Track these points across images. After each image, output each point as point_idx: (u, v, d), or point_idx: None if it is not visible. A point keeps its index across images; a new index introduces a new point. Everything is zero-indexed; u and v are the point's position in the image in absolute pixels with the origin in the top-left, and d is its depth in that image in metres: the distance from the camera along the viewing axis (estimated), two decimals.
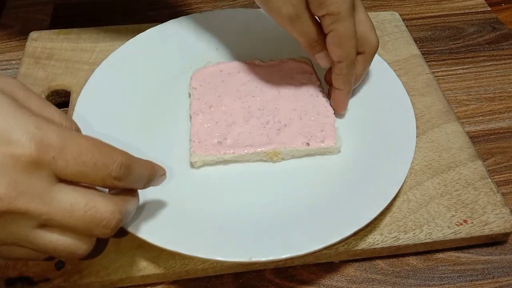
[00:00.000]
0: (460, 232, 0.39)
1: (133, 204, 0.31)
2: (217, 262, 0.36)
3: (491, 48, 0.58)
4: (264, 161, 0.42)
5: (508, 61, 0.57)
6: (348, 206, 0.37)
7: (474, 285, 0.38)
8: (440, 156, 0.44)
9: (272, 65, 0.48)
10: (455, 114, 0.48)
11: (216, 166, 0.41)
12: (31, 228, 0.27)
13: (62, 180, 0.27)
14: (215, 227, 0.36)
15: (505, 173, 0.46)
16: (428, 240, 0.38)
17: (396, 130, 0.43)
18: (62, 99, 0.49)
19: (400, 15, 0.59)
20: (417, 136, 0.42)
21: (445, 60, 0.57)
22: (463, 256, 0.40)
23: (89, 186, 0.28)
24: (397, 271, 0.39)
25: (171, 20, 0.52)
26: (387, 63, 0.48)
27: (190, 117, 0.44)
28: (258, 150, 0.41)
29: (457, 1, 0.65)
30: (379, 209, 0.37)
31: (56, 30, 0.54)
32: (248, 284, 0.38)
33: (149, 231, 0.35)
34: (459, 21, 0.62)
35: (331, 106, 0.44)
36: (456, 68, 0.56)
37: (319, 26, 0.40)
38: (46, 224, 0.27)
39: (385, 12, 0.59)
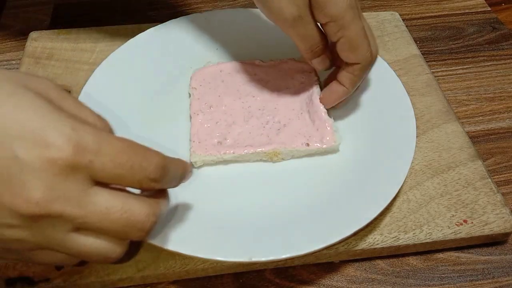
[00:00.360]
0: (460, 232, 0.39)
1: (166, 206, 0.30)
2: (217, 262, 0.36)
3: (491, 48, 0.58)
4: (264, 161, 0.42)
5: (508, 61, 0.57)
6: (348, 206, 0.37)
7: (474, 285, 0.38)
8: (440, 156, 0.44)
9: (272, 65, 0.48)
10: (455, 114, 0.48)
11: (216, 166, 0.41)
12: (66, 232, 0.26)
13: (98, 182, 0.26)
14: (215, 227, 0.36)
15: (505, 173, 0.46)
16: (428, 240, 0.38)
17: (396, 130, 0.43)
18: None
19: (400, 15, 0.59)
20: (417, 136, 0.42)
21: (445, 60, 0.57)
22: (463, 256, 0.40)
23: (123, 188, 0.28)
24: (397, 271, 0.39)
25: (171, 20, 0.52)
26: (387, 63, 0.48)
27: (190, 117, 0.44)
28: (258, 150, 0.41)
29: (457, 1, 0.65)
30: (379, 209, 0.37)
31: (56, 30, 0.54)
32: (248, 284, 0.38)
33: None
34: (459, 21, 0.62)
35: (320, 98, 0.43)
36: (456, 68, 0.56)
37: (321, 31, 0.39)
38: (81, 227, 0.27)
39: (385, 12, 0.59)
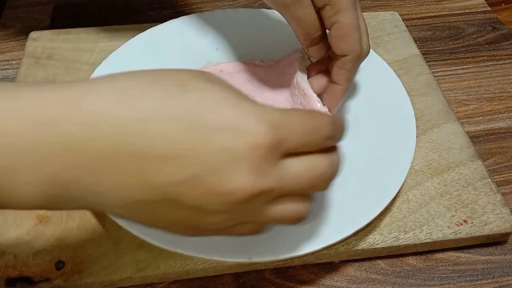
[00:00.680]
0: (460, 232, 0.39)
1: (340, 156, 0.31)
2: (217, 262, 0.36)
3: (491, 48, 0.58)
4: None
5: (508, 61, 0.57)
6: (348, 206, 0.37)
7: (474, 285, 0.38)
8: (440, 156, 0.44)
9: (272, 65, 0.48)
10: (455, 114, 0.48)
11: None
12: (265, 204, 0.28)
13: (286, 154, 0.28)
14: None
15: (505, 173, 0.46)
16: (428, 240, 0.38)
17: (396, 130, 0.42)
18: None
19: (400, 15, 0.59)
20: (417, 136, 0.42)
21: (445, 60, 0.57)
22: (463, 256, 0.40)
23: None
24: (397, 271, 0.39)
25: (171, 20, 0.52)
26: (387, 63, 0.48)
27: None
28: None
29: (457, 1, 0.65)
30: (379, 209, 0.37)
31: (56, 30, 0.54)
32: (248, 284, 0.38)
33: (149, 231, 0.35)
34: (459, 21, 0.62)
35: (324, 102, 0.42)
36: (456, 68, 0.56)
37: (319, 18, 0.38)
38: (276, 197, 0.28)
39: (385, 12, 0.59)
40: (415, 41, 0.56)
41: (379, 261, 0.39)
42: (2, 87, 0.25)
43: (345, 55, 0.38)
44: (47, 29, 0.55)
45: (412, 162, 0.40)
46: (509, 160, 0.47)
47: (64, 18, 0.61)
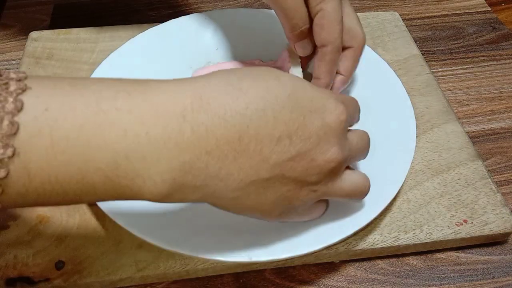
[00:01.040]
0: (460, 232, 0.39)
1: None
2: (217, 262, 0.36)
3: (491, 48, 0.58)
4: None
5: (508, 61, 0.57)
6: (348, 206, 0.37)
7: (474, 285, 0.38)
8: (440, 156, 0.44)
9: (272, 65, 0.48)
10: (455, 114, 0.48)
11: None
12: (341, 174, 0.32)
13: None
14: (215, 227, 0.36)
15: (505, 173, 0.46)
16: (428, 240, 0.38)
17: (396, 130, 0.43)
18: None
19: (400, 15, 0.59)
20: (417, 136, 0.42)
21: (445, 60, 0.57)
22: (463, 256, 0.40)
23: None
24: (397, 271, 0.39)
25: (171, 20, 0.52)
26: (387, 63, 0.48)
27: None
28: None
29: (457, 1, 0.65)
30: (379, 209, 0.37)
31: (56, 30, 0.54)
32: (248, 284, 0.38)
33: (149, 231, 0.35)
34: (459, 21, 0.62)
35: None
36: (456, 68, 0.56)
37: (307, 11, 0.39)
38: (345, 168, 0.33)
39: (385, 12, 0.59)
40: (415, 41, 0.56)
41: (379, 261, 0.39)
42: (129, 83, 0.27)
43: (324, 46, 0.39)
44: (47, 29, 0.55)
45: (412, 162, 0.40)
46: (509, 160, 0.47)
47: (64, 18, 0.61)
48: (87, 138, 0.25)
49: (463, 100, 0.52)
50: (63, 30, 0.54)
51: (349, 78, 0.43)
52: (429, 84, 0.50)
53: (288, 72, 0.43)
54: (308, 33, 0.40)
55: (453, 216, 0.40)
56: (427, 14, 0.63)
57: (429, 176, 0.43)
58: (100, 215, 0.38)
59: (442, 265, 0.39)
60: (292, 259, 0.36)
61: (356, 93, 0.46)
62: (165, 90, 0.27)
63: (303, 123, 0.29)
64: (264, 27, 0.50)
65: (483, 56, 0.57)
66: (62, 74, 0.50)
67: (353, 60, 0.42)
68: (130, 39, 0.49)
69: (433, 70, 0.54)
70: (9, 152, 0.23)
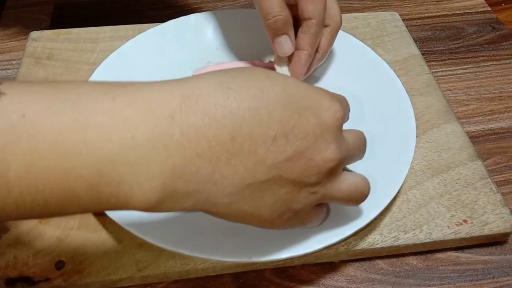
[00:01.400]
0: (460, 232, 0.39)
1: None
2: (217, 262, 0.36)
3: (491, 48, 0.58)
4: None
5: (508, 61, 0.57)
6: (348, 206, 0.37)
7: (474, 285, 0.38)
8: (440, 156, 0.44)
9: (272, 65, 0.48)
10: (455, 114, 0.48)
11: None
12: (339, 175, 0.31)
13: None
14: (215, 227, 0.36)
15: (505, 173, 0.46)
16: (428, 240, 0.38)
17: (396, 130, 0.43)
18: None
19: (400, 15, 0.59)
20: (417, 136, 0.42)
21: (445, 60, 0.57)
22: (463, 256, 0.40)
23: None
24: (397, 271, 0.39)
25: (171, 20, 0.52)
26: (387, 63, 0.48)
27: None
28: None
29: (457, 1, 0.65)
30: (379, 209, 0.37)
31: (56, 30, 0.54)
32: (248, 284, 0.38)
33: (149, 231, 0.35)
34: (459, 21, 0.62)
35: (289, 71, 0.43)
36: (456, 68, 0.56)
37: (287, 6, 0.40)
38: (342, 169, 0.32)
39: (385, 12, 0.59)
40: (415, 41, 0.56)
41: (379, 261, 0.39)
42: (113, 86, 0.25)
43: (310, 18, 0.40)
44: (47, 29, 0.55)
45: (412, 162, 0.40)
46: (509, 160, 0.47)
47: (64, 18, 0.61)
48: (67, 144, 0.23)
49: (463, 100, 0.52)
50: (63, 30, 0.54)
51: (325, 56, 0.45)
52: (429, 84, 0.50)
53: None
54: (286, 28, 0.40)
55: (453, 216, 0.40)
56: (427, 14, 0.63)
57: (429, 176, 0.43)
58: (100, 215, 0.38)
59: (442, 265, 0.39)
60: (292, 259, 0.36)
61: (356, 93, 0.46)
62: (151, 92, 0.26)
63: (298, 121, 0.28)
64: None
65: (483, 56, 0.57)
66: (62, 74, 0.50)
67: (329, 38, 0.44)
68: (130, 39, 0.49)
69: (433, 70, 0.54)
70: None
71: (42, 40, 0.53)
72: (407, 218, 0.40)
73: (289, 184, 0.29)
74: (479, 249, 0.40)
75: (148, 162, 0.24)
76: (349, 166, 0.38)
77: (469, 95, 0.53)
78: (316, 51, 0.44)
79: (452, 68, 0.56)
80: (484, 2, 0.64)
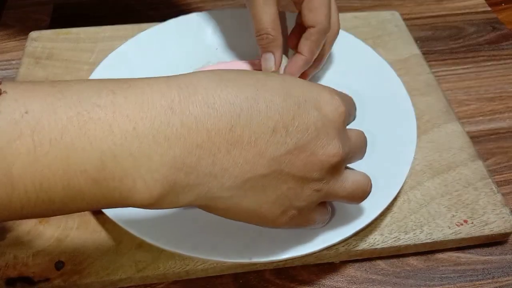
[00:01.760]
0: (460, 232, 0.39)
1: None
2: (217, 262, 0.36)
3: (491, 48, 0.58)
4: None
5: (508, 61, 0.57)
6: (349, 206, 0.37)
7: (474, 285, 0.38)
8: (441, 156, 0.44)
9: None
10: (455, 114, 0.48)
11: None
12: (342, 172, 0.31)
13: None
14: (215, 228, 0.36)
15: (505, 173, 0.46)
16: (428, 241, 0.38)
17: (397, 130, 0.42)
18: None
19: (401, 14, 0.59)
20: (417, 136, 0.42)
21: (445, 60, 0.57)
22: (464, 256, 0.40)
23: None
24: (398, 271, 0.39)
25: (171, 20, 0.52)
26: (388, 62, 0.48)
27: None
28: None
29: (457, 1, 0.65)
30: (379, 210, 0.37)
31: (56, 30, 0.54)
32: (248, 285, 0.38)
33: (149, 231, 0.35)
34: (459, 21, 0.62)
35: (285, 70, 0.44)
36: (456, 68, 0.56)
37: (278, 24, 0.41)
38: (345, 167, 0.32)
39: (385, 12, 0.59)
40: (416, 41, 0.56)
41: (379, 262, 0.39)
42: (112, 82, 0.26)
43: (312, 26, 0.41)
44: (47, 29, 0.55)
45: (413, 162, 0.40)
46: (510, 160, 0.47)
47: (64, 18, 0.61)
48: (71, 139, 0.23)
49: (463, 100, 0.52)
50: (63, 30, 0.54)
51: (322, 63, 0.46)
52: (429, 84, 0.50)
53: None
54: (275, 46, 0.41)
55: (453, 216, 0.40)
56: (428, 14, 0.63)
57: (430, 176, 0.42)
58: (100, 215, 0.38)
59: (442, 265, 0.39)
60: (292, 259, 0.36)
61: (356, 92, 0.46)
62: (150, 85, 0.26)
63: (298, 113, 0.28)
64: None
65: (483, 56, 0.57)
66: (62, 74, 0.49)
67: (327, 45, 0.45)
68: (130, 39, 0.49)
69: (434, 70, 0.54)
70: None
71: (42, 40, 0.53)
72: (408, 218, 0.40)
73: (291, 180, 0.28)
74: (479, 249, 0.40)
75: (150, 153, 0.25)
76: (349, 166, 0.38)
77: (470, 95, 0.53)
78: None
79: (453, 68, 0.56)
80: (484, 2, 0.64)
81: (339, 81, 0.47)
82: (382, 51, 0.53)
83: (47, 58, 0.51)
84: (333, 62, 0.50)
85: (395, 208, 0.40)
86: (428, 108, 0.48)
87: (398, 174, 0.39)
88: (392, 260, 0.39)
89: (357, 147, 0.33)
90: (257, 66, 0.48)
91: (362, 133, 0.34)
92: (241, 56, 0.50)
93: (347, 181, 0.31)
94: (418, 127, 0.44)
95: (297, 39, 0.45)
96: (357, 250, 0.38)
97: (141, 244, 0.37)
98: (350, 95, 0.45)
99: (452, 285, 0.38)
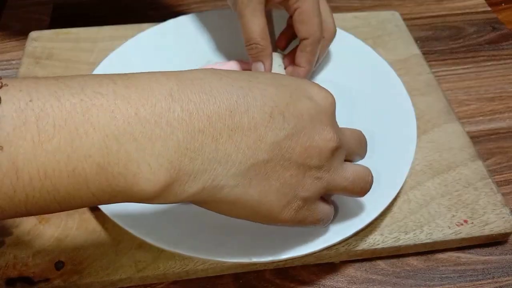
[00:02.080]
0: (460, 233, 0.39)
1: None
2: (217, 262, 0.36)
3: (491, 48, 0.58)
4: None
5: (508, 61, 0.57)
6: (349, 206, 0.37)
7: (474, 285, 0.38)
8: (441, 156, 0.44)
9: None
10: (455, 114, 0.48)
11: None
12: (342, 161, 0.32)
13: None
14: (215, 228, 0.36)
15: (505, 173, 0.46)
16: (428, 241, 0.38)
17: (397, 130, 0.42)
18: None
19: (401, 14, 0.59)
20: (417, 136, 0.42)
21: (445, 60, 0.57)
22: (464, 256, 0.40)
23: None
24: (398, 271, 0.39)
25: (170, 20, 0.52)
26: (388, 62, 0.48)
27: None
28: None
29: (457, 1, 0.65)
30: (379, 210, 0.37)
31: (56, 30, 0.54)
32: (248, 285, 0.38)
33: (149, 231, 0.35)
34: (459, 21, 0.62)
35: None
36: (456, 68, 0.56)
37: (267, 33, 0.42)
38: (343, 158, 0.32)
39: (385, 12, 0.59)
40: (416, 41, 0.56)
41: (379, 262, 0.39)
42: (113, 74, 0.27)
43: (305, 38, 0.42)
44: (47, 29, 0.55)
45: (413, 162, 0.40)
46: (510, 160, 0.47)
47: (64, 18, 0.61)
48: (74, 125, 0.24)
49: (463, 100, 0.52)
50: (63, 30, 0.54)
51: (316, 65, 0.46)
52: (429, 84, 0.50)
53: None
54: (264, 56, 0.42)
55: (453, 216, 0.40)
56: (428, 14, 0.63)
57: (430, 176, 0.42)
58: (100, 215, 0.38)
59: (442, 266, 0.39)
60: (292, 259, 0.36)
61: (356, 92, 0.46)
62: (149, 77, 0.27)
63: (291, 101, 0.29)
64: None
65: (483, 56, 0.57)
66: (62, 74, 0.49)
67: (322, 49, 0.45)
68: (130, 39, 0.49)
69: (434, 70, 0.54)
70: None
71: (42, 40, 0.53)
72: (408, 218, 0.40)
73: (293, 166, 0.29)
74: (480, 249, 0.40)
75: (153, 138, 0.25)
76: None
77: (470, 95, 0.53)
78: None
79: (453, 68, 0.56)
80: (484, 2, 0.64)
81: (339, 81, 0.47)
82: (382, 51, 0.53)
83: (47, 58, 0.51)
84: (333, 62, 0.50)
85: (395, 208, 0.40)
86: (428, 108, 0.48)
87: (398, 174, 0.39)
88: (392, 260, 0.39)
89: (352, 141, 0.33)
90: None
91: (358, 130, 0.35)
92: (240, 56, 0.50)
93: (347, 171, 0.32)
94: (418, 127, 0.44)
95: (286, 40, 0.47)
96: (357, 250, 0.38)
97: (141, 244, 0.37)
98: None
99: (452, 285, 0.38)
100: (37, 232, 0.38)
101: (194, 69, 0.29)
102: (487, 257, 0.40)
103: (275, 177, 0.29)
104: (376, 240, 0.38)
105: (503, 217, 0.40)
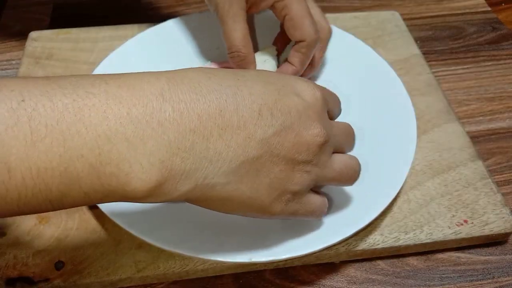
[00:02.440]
0: (460, 233, 0.39)
1: None
2: (217, 262, 0.36)
3: (491, 48, 0.58)
4: None
5: (508, 61, 0.57)
6: (349, 206, 0.37)
7: (474, 285, 0.38)
8: (441, 156, 0.44)
9: None
10: (455, 114, 0.48)
11: None
12: (330, 155, 0.32)
13: None
14: (215, 228, 0.36)
15: (505, 173, 0.46)
16: (428, 241, 0.38)
17: (397, 130, 0.42)
18: None
19: (401, 14, 0.59)
20: (417, 136, 0.42)
21: (445, 60, 0.57)
22: (464, 256, 0.40)
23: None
24: (398, 271, 0.39)
25: (170, 20, 0.52)
26: (388, 62, 0.48)
27: None
28: None
29: (457, 1, 0.65)
30: (379, 210, 0.37)
31: (56, 30, 0.54)
32: (248, 285, 0.38)
33: (149, 231, 0.35)
34: (459, 21, 0.62)
35: None
36: (456, 68, 0.56)
37: (249, 42, 0.42)
38: (332, 151, 0.33)
39: (385, 12, 0.59)
40: (416, 41, 0.56)
41: (379, 262, 0.39)
42: (105, 75, 0.27)
43: (301, 41, 0.42)
44: (47, 29, 0.55)
45: (413, 162, 0.40)
46: (509, 160, 0.47)
47: (64, 18, 0.61)
48: (66, 124, 0.24)
49: (463, 100, 0.52)
50: (63, 30, 0.54)
51: (317, 67, 0.46)
52: (429, 84, 0.50)
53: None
54: (246, 65, 0.42)
55: (453, 216, 0.40)
56: (427, 14, 0.63)
57: (430, 176, 0.42)
58: (100, 216, 0.38)
59: (442, 266, 0.39)
60: (292, 259, 0.36)
61: (356, 93, 0.46)
62: (140, 77, 0.27)
63: (279, 98, 0.30)
64: (263, 27, 0.50)
65: (483, 56, 0.57)
66: (62, 74, 0.49)
67: (319, 50, 0.45)
68: (130, 39, 0.49)
69: (434, 70, 0.54)
70: None
71: (42, 40, 0.53)
72: (408, 218, 0.40)
73: (282, 161, 0.30)
74: (480, 249, 0.40)
75: (144, 137, 0.25)
76: None
77: (470, 95, 0.53)
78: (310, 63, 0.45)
79: (453, 68, 0.56)
80: (484, 2, 0.64)
81: (339, 81, 0.47)
82: (382, 51, 0.53)
83: (47, 58, 0.51)
84: (333, 62, 0.50)
85: (395, 208, 0.40)
86: (428, 108, 0.48)
87: (398, 174, 0.39)
88: (392, 260, 0.39)
89: (341, 134, 0.34)
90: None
91: (348, 124, 0.35)
92: None
93: (334, 162, 0.33)
94: (418, 127, 0.44)
95: (282, 45, 0.47)
96: (357, 250, 0.38)
97: (141, 244, 0.37)
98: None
99: (452, 285, 0.38)
100: (37, 232, 0.38)
101: (184, 69, 0.29)
102: (487, 257, 0.40)
103: (265, 172, 0.29)
104: (376, 240, 0.38)
105: (503, 217, 0.40)
